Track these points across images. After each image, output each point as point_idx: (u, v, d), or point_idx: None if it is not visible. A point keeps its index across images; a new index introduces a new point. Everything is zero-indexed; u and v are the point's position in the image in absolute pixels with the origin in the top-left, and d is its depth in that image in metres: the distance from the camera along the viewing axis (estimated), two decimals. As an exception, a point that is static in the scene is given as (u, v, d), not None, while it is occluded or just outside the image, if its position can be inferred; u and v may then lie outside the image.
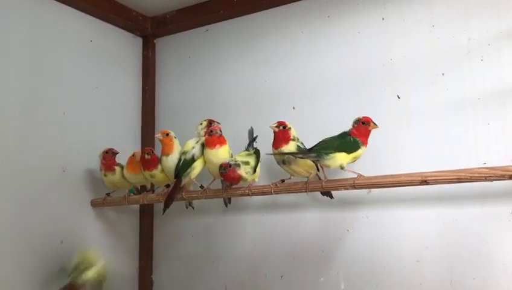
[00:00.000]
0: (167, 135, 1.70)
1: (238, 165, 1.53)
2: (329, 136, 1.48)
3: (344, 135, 1.44)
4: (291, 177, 1.56)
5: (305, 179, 1.52)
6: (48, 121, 1.74)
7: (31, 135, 1.68)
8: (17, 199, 1.61)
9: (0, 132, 1.58)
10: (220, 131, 1.61)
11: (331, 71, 1.75)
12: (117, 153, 1.82)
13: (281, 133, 1.51)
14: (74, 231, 1.79)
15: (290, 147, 1.50)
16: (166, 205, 1.66)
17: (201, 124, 1.72)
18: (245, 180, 1.55)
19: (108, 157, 1.81)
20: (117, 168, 1.81)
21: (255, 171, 1.58)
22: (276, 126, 1.52)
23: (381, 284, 1.56)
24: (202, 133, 1.70)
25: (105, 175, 1.81)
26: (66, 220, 1.77)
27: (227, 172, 1.52)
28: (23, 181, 1.63)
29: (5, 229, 1.56)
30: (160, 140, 1.71)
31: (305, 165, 1.52)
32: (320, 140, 1.46)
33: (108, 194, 1.86)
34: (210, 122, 1.72)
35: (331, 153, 1.40)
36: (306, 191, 1.50)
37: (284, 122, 1.53)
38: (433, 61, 1.57)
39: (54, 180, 1.74)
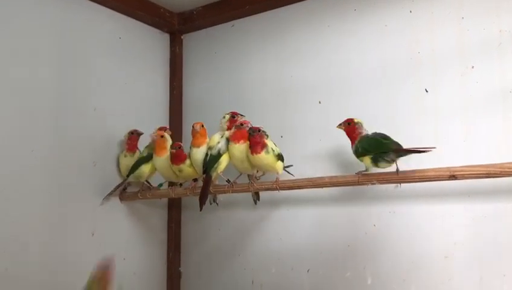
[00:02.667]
0: (202, 126, 1.73)
1: (267, 135, 1.54)
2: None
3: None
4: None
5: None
6: (79, 117, 1.79)
7: (63, 130, 1.72)
8: (49, 191, 1.65)
9: (33, 127, 1.63)
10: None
11: (358, 65, 1.74)
12: (141, 134, 1.88)
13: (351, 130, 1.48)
14: (105, 224, 1.84)
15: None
16: (202, 201, 1.65)
17: (224, 117, 1.73)
18: (268, 153, 1.54)
19: (133, 138, 1.87)
20: (137, 151, 1.86)
21: (278, 158, 1.59)
22: (343, 124, 1.49)
23: (408, 279, 1.55)
24: (225, 126, 1.71)
25: (125, 156, 1.86)
26: (96, 213, 1.82)
27: (255, 136, 1.52)
28: (56, 175, 1.68)
29: (37, 220, 1.61)
30: (197, 131, 1.71)
31: None
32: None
33: (124, 190, 1.90)
34: (233, 115, 1.72)
35: None
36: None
37: (350, 119, 1.49)
38: (462, 54, 1.54)
39: (85, 174, 1.79)
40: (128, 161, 1.86)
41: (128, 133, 1.88)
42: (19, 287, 1.53)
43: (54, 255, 1.65)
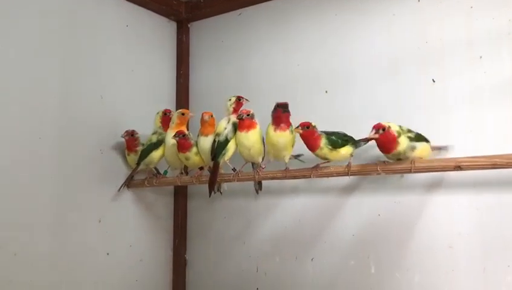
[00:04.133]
0: (212, 116, 1.74)
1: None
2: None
3: None
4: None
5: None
6: (86, 104, 1.80)
7: (70, 117, 1.73)
8: (56, 178, 1.67)
9: (41, 115, 1.64)
10: (249, 115, 1.61)
11: (365, 54, 1.73)
12: (136, 134, 1.86)
13: (385, 137, 1.38)
14: (111, 211, 1.86)
15: (402, 144, 1.37)
16: (211, 188, 1.68)
17: (230, 100, 1.74)
18: (322, 149, 1.52)
19: (130, 139, 1.86)
20: (139, 147, 1.86)
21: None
22: (375, 132, 1.37)
23: (412, 269, 1.56)
24: (231, 109, 1.71)
25: (128, 155, 1.88)
26: (103, 199, 1.84)
27: (304, 132, 1.49)
28: (63, 162, 1.70)
29: (45, 206, 1.63)
30: (206, 121, 1.72)
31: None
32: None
33: (132, 177, 1.90)
34: (239, 98, 1.72)
35: None
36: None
37: (380, 124, 1.38)
38: (471, 44, 1.53)
39: (92, 161, 1.80)
40: (133, 158, 1.87)
41: (125, 134, 1.86)
42: (27, 271, 1.55)
43: (62, 242, 1.67)
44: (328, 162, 1.54)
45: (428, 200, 1.55)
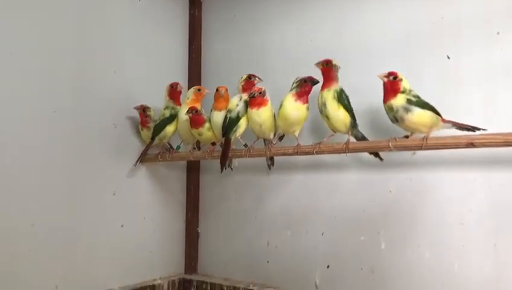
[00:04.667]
0: (226, 90, 1.75)
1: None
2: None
3: None
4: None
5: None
6: (99, 79, 1.81)
7: (84, 92, 1.75)
8: (71, 152, 1.70)
9: (55, 90, 1.66)
10: (260, 93, 1.61)
11: (379, 30, 1.71)
12: (148, 108, 1.89)
13: (390, 84, 1.41)
14: (125, 184, 1.89)
15: (398, 100, 1.39)
16: (222, 164, 1.70)
17: (241, 77, 1.74)
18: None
19: (142, 114, 1.89)
20: (151, 125, 1.88)
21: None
22: (386, 76, 1.42)
23: (423, 245, 1.57)
24: (240, 87, 1.72)
25: (142, 130, 1.90)
26: (117, 174, 1.87)
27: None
28: (77, 136, 1.72)
29: (60, 180, 1.67)
30: (222, 95, 1.73)
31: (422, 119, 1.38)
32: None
33: (146, 152, 1.91)
34: (250, 77, 1.73)
35: None
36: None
37: (395, 72, 1.41)
38: (488, 20, 1.49)
39: (106, 135, 1.83)
40: (146, 134, 1.89)
41: (138, 109, 1.89)
42: (43, 241, 1.60)
43: (77, 213, 1.71)
44: (332, 135, 1.56)
45: (440, 177, 1.55)
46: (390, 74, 1.41)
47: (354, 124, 1.54)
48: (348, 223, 1.73)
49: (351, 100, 1.54)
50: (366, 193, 1.70)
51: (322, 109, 1.53)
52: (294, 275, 1.85)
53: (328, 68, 1.54)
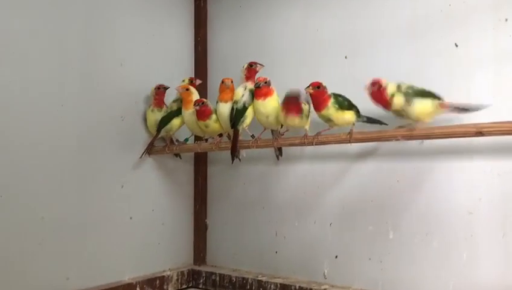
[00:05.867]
0: (232, 82, 1.75)
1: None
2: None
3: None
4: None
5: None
6: (106, 71, 1.81)
7: (91, 85, 1.76)
8: (79, 145, 1.71)
9: (62, 83, 1.66)
10: (266, 82, 1.61)
11: (386, 18, 1.69)
12: (167, 88, 1.91)
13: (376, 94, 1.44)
14: (133, 177, 1.90)
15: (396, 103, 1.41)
16: (233, 154, 1.71)
17: (243, 66, 1.73)
18: (302, 118, 1.57)
19: (160, 92, 1.90)
20: (164, 108, 1.89)
21: (307, 118, 1.60)
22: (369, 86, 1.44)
23: (431, 233, 1.56)
24: (243, 75, 1.71)
25: (152, 111, 1.89)
26: (125, 166, 1.88)
27: (314, 92, 1.52)
28: (85, 129, 1.73)
29: (68, 172, 1.68)
30: (228, 87, 1.73)
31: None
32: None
33: (152, 144, 1.92)
34: (251, 65, 1.71)
35: None
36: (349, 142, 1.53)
37: (378, 80, 1.44)
38: (496, 6, 1.47)
39: (114, 128, 1.83)
40: (156, 116, 1.89)
41: (155, 88, 1.90)
42: (53, 234, 1.62)
43: (86, 206, 1.72)
44: (329, 129, 1.57)
45: (448, 166, 1.54)
46: (373, 82, 1.43)
47: (358, 114, 1.55)
48: (355, 213, 1.73)
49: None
50: (373, 183, 1.70)
51: (328, 122, 1.55)
52: (302, 265, 1.85)
53: (320, 92, 1.52)
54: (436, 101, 1.38)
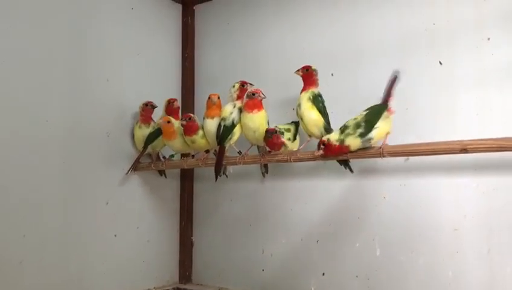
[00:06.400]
0: (219, 98, 1.74)
1: (282, 133, 1.57)
2: (368, 103, 1.46)
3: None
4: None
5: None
6: (92, 87, 1.80)
7: (77, 101, 1.74)
8: (64, 161, 1.69)
9: (48, 98, 1.65)
10: (263, 94, 1.63)
11: (372, 37, 1.72)
12: (155, 107, 1.90)
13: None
14: (118, 193, 1.87)
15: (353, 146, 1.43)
16: (217, 172, 1.70)
17: (233, 86, 1.73)
18: (287, 147, 1.58)
19: (147, 110, 1.89)
20: (151, 123, 1.88)
21: (294, 139, 1.61)
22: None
23: (417, 251, 1.57)
24: (235, 96, 1.71)
25: (139, 127, 1.88)
26: (110, 182, 1.85)
27: (272, 137, 1.55)
28: (70, 145, 1.71)
29: (53, 189, 1.65)
30: (214, 103, 1.73)
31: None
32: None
33: (139, 161, 1.90)
34: (243, 84, 1.72)
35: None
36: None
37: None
38: (479, 26, 1.51)
39: (99, 144, 1.82)
40: (143, 132, 1.88)
41: (143, 104, 1.89)
42: (35, 252, 1.58)
43: (70, 224, 1.69)
44: (308, 141, 1.60)
45: (433, 182, 1.55)
46: (318, 144, 1.45)
47: (327, 128, 1.56)
48: (342, 230, 1.73)
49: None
50: (360, 200, 1.70)
51: (297, 109, 1.58)
52: (289, 283, 1.84)
53: (308, 73, 1.60)
54: (385, 113, 1.40)
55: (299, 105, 1.57)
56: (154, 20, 2.10)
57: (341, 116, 1.62)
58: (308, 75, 1.59)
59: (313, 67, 1.59)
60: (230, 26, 2.12)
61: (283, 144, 1.57)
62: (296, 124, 1.66)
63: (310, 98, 1.55)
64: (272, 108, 1.70)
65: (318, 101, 1.56)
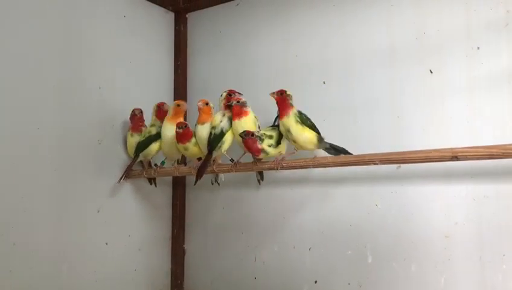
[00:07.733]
0: (207, 104, 1.74)
1: (261, 139, 1.56)
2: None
3: None
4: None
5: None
6: (84, 94, 1.79)
7: (68, 108, 1.73)
8: (55, 168, 1.67)
9: (39, 106, 1.64)
10: (238, 102, 1.62)
11: (363, 45, 1.73)
12: (141, 111, 1.89)
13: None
14: (110, 201, 1.86)
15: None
16: (198, 176, 1.69)
17: (221, 95, 1.74)
18: (267, 153, 1.58)
19: (136, 118, 1.88)
20: (143, 129, 1.87)
21: (278, 144, 1.60)
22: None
23: (409, 258, 1.57)
24: (222, 105, 1.72)
25: (131, 135, 1.88)
26: (102, 190, 1.84)
27: (246, 139, 1.55)
28: (61, 153, 1.70)
29: (44, 197, 1.64)
30: (200, 108, 1.73)
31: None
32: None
33: (131, 168, 1.89)
34: (229, 94, 1.72)
35: None
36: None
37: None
38: (469, 35, 1.53)
39: (91, 152, 1.80)
40: (135, 140, 1.87)
41: (131, 113, 1.89)
42: (25, 261, 1.56)
43: (61, 232, 1.68)
44: (294, 153, 1.59)
45: (425, 190, 1.56)
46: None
47: (320, 138, 1.56)
48: (335, 237, 1.73)
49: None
50: (352, 207, 1.70)
51: (287, 135, 1.56)
52: (281, 291, 1.83)
53: (283, 97, 1.58)
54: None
55: (289, 130, 1.55)
56: (146, 28, 2.10)
57: (332, 124, 1.63)
58: (282, 99, 1.57)
59: (288, 92, 1.57)
60: (222, 35, 2.12)
61: (260, 150, 1.56)
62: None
63: (297, 121, 1.54)
64: (264, 116, 1.70)
65: (305, 120, 1.56)
